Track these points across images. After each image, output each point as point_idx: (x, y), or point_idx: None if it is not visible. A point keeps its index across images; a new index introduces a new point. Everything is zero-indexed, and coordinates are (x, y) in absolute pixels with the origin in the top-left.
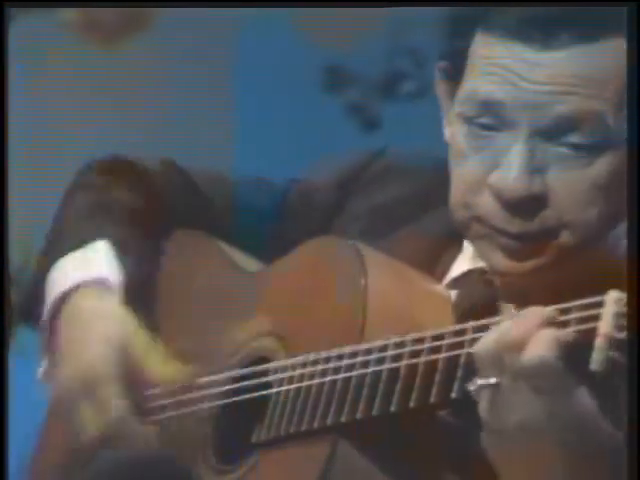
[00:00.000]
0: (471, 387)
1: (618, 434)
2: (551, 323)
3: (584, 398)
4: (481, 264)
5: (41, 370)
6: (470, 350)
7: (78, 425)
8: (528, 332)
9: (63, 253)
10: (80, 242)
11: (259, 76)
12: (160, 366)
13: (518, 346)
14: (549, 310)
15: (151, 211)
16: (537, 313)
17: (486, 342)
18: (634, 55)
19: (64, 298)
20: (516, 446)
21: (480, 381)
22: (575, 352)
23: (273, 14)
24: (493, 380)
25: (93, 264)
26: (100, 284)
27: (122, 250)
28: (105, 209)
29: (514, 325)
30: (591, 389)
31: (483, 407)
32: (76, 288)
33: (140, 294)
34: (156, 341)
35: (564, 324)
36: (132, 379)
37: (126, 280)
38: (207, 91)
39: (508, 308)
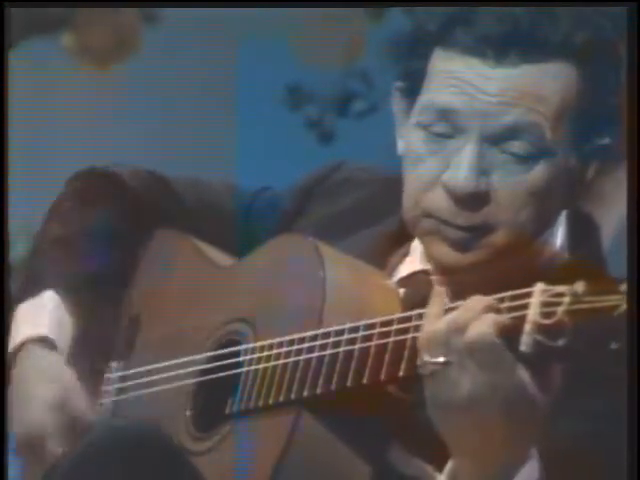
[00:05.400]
0: (421, 365)
1: (546, 399)
2: (492, 309)
3: (520, 371)
4: (426, 266)
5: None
6: (416, 334)
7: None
8: (472, 316)
9: (23, 295)
10: (35, 289)
11: (238, 93)
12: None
13: (463, 328)
14: (490, 299)
15: (131, 212)
16: (481, 300)
17: (436, 325)
18: (634, 55)
19: (15, 354)
20: (462, 418)
21: (430, 360)
22: (510, 334)
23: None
24: (442, 359)
25: (39, 319)
26: (43, 341)
27: (70, 298)
28: (63, 247)
29: (460, 310)
30: (523, 365)
31: (431, 384)
32: (23, 345)
33: (87, 342)
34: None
35: (501, 311)
36: (71, 430)
37: (72, 333)
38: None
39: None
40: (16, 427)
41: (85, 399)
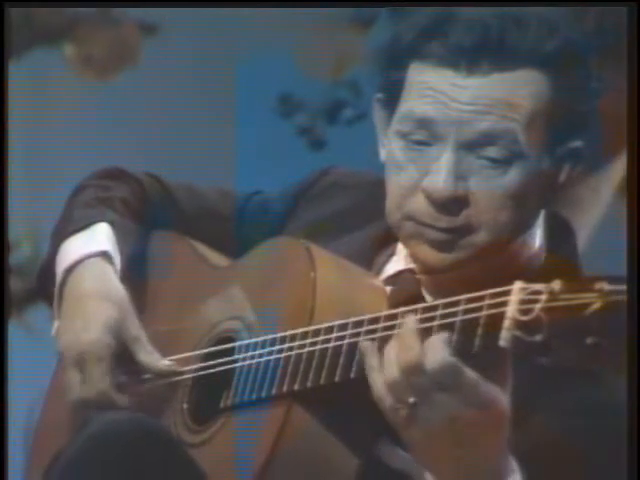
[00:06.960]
0: (392, 412)
1: (507, 396)
2: (420, 327)
3: (480, 379)
4: (411, 265)
5: (54, 328)
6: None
7: (67, 386)
8: (414, 347)
9: (71, 234)
10: (85, 225)
11: (235, 103)
12: (146, 357)
13: (416, 365)
14: (411, 320)
15: (142, 207)
16: (409, 331)
17: (389, 374)
18: (634, 55)
19: (70, 269)
20: (442, 441)
21: (400, 405)
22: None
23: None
24: (412, 400)
25: (95, 240)
26: (101, 255)
27: (120, 232)
28: (106, 201)
29: (401, 350)
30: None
31: (407, 423)
32: (80, 260)
33: (134, 271)
34: (142, 328)
35: (431, 319)
36: (121, 360)
37: (123, 257)
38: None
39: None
40: (69, 343)
41: (137, 326)
